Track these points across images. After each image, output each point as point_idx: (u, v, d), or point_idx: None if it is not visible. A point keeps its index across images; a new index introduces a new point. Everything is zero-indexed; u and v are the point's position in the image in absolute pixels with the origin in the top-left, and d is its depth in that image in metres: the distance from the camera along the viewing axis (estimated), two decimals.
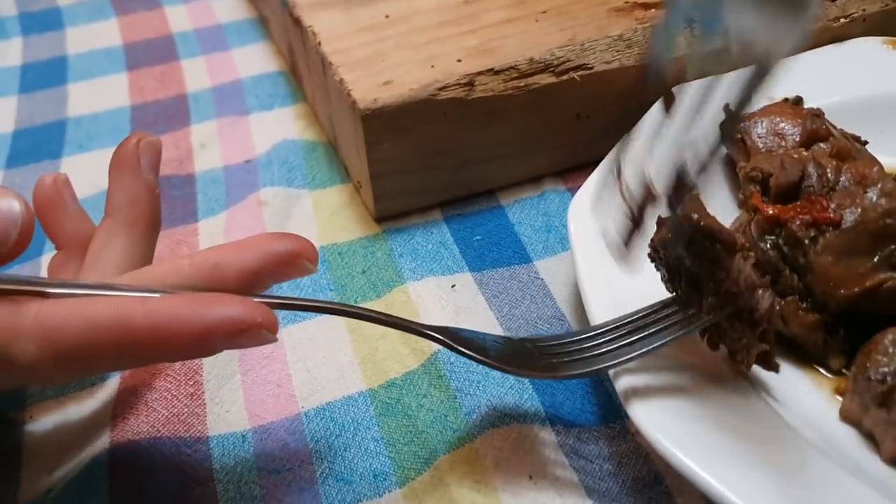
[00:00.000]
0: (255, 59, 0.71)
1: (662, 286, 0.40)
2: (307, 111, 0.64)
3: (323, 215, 0.53)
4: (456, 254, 0.50)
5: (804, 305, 0.39)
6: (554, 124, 0.53)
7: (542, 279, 0.47)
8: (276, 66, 0.70)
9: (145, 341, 0.30)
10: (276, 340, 0.31)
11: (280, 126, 0.62)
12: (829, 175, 0.41)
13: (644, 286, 0.40)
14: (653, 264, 0.38)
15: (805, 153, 0.42)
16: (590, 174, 0.48)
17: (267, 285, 0.34)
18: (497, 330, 0.44)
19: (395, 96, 0.49)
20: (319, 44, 0.55)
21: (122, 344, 0.30)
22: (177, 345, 0.30)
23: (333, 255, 0.50)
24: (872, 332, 0.38)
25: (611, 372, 0.36)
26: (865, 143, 0.48)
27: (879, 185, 0.39)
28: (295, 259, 0.33)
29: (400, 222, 0.53)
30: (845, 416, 0.37)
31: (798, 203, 0.40)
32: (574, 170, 0.55)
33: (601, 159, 0.49)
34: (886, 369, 0.35)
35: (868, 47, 0.56)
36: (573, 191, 0.54)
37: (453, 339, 0.34)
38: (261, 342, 0.30)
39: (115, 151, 0.40)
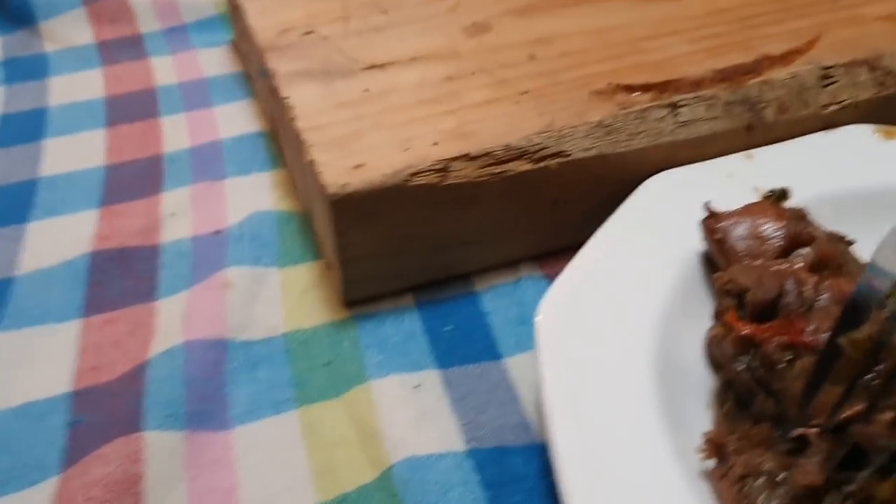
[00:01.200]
0: (238, 119, 0.70)
1: (630, 399, 0.39)
2: (285, 178, 0.62)
3: (290, 297, 0.51)
4: (424, 346, 0.48)
5: (778, 433, 0.37)
6: (530, 210, 0.52)
7: (511, 379, 0.46)
8: (258, 126, 0.69)
9: None
10: None
11: (256, 194, 0.61)
12: (809, 292, 0.39)
13: (611, 399, 0.39)
14: None
15: (784, 267, 0.40)
16: (567, 260, 0.46)
17: None
18: (459, 438, 0.42)
19: (365, 181, 0.48)
20: (293, 119, 0.53)
21: None
22: None
23: (297, 345, 0.48)
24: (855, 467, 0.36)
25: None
26: (851, 242, 0.47)
27: None
28: None
29: (370, 307, 0.51)
30: None
31: (774, 322, 0.38)
32: (551, 255, 0.53)
33: (579, 244, 0.47)
34: None
35: (859, 135, 0.55)
36: (550, 277, 0.52)
37: None
38: None
39: None
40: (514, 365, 0.46)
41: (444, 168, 0.49)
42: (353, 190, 0.47)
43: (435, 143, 0.50)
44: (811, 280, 0.39)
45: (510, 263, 0.53)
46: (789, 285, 0.39)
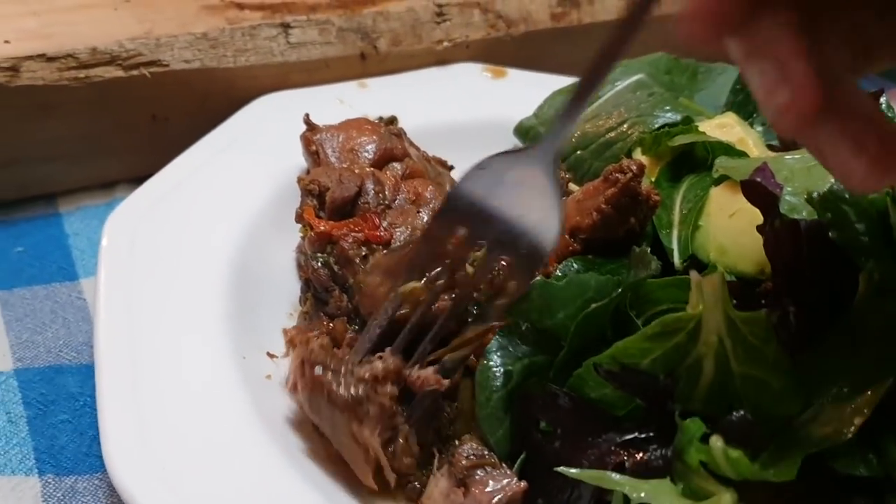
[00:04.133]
0: None
1: (189, 315, 0.36)
2: None
3: None
4: None
5: (353, 328, 0.36)
6: (126, 125, 0.47)
7: (85, 300, 0.41)
8: None
9: None
10: None
11: None
12: (387, 192, 0.39)
13: (169, 317, 0.36)
14: None
15: (366, 169, 0.40)
16: None
17: None
18: (6, 358, 0.37)
19: None
20: None
21: None
22: None
23: None
24: None
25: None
26: (452, 167, 0.47)
27: (431, 205, 0.38)
28: None
29: None
30: None
31: (351, 220, 0.37)
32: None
33: None
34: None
35: (469, 73, 0.56)
36: None
37: None
38: None
39: None
40: (92, 286, 0.42)
41: (13, 67, 0.43)
42: None
43: (6, 42, 0.44)
44: (390, 181, 0.39)
45: (105, 185, 0.48)
46: (369, 184, 0.38)
